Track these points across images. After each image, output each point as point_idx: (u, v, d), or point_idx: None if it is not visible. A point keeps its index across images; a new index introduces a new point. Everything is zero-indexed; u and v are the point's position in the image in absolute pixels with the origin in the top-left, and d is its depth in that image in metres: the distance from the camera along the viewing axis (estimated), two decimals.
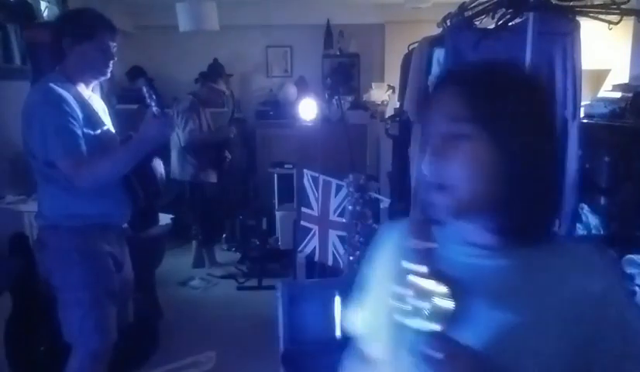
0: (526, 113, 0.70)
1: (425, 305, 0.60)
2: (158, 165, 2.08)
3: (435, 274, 0.61)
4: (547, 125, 0.73)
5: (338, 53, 5.19)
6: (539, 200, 0.70)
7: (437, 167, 0.71)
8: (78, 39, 1.78)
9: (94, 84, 1.94)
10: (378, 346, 0.85)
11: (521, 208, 0.69)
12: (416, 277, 0.62)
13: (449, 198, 0.70)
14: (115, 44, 1.86)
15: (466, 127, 0.69)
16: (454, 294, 0.60)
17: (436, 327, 0.60)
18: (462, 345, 0.63)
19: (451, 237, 0.75)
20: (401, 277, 0.64)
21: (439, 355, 0.60)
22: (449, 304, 0.58)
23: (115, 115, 3.76)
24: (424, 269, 0.61)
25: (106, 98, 3.70)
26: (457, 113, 0.70)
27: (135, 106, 3.93)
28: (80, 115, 1.75)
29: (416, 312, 0.61)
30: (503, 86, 0.71)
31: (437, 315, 0.59)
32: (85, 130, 1.77)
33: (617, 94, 2.63)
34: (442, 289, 0.59)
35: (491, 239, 0.73)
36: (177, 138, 3.84)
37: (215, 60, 4.82)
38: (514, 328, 0.67)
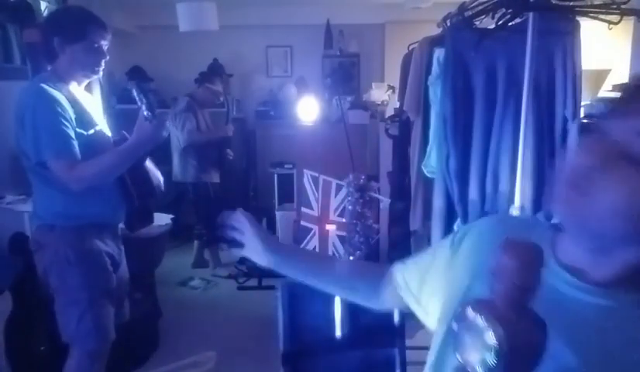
0: None
1: (473, 342, 0.50)
2: (152, 166, 2.07)
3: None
4: None
5: (338, 53, 5.19)
6: None
7: (581, 203, 0.58)
8: (69, 39, 1.75)
9: (87, 82, 1.90)
10: (409, 299, 0.87)
11: None
12: (474, 307, 0.50)
13: (591, 237, 0.58)
14: (106, 43, 1.81)
15: None
16: (512, 333, 0.47)
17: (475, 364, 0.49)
18: None
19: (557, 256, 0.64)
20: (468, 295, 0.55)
21: None
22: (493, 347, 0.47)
23: (115, 115, 3.78)
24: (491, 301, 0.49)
25: (106, 98, 3.71)
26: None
27: (135, 106, 3.93)
28: (72, 115, 1.73)
29: (465, 345, 0.51)
30: None
31: (485, 350, 0.48)
32: (78, 130, 1.74)
33: (618, 94, 2.63)
34: (492, 336, 0.47)
35: (604, 275, 0.60)
36: (177, 140, 3.84)
37: (215, 60, 4.82)
38: None
